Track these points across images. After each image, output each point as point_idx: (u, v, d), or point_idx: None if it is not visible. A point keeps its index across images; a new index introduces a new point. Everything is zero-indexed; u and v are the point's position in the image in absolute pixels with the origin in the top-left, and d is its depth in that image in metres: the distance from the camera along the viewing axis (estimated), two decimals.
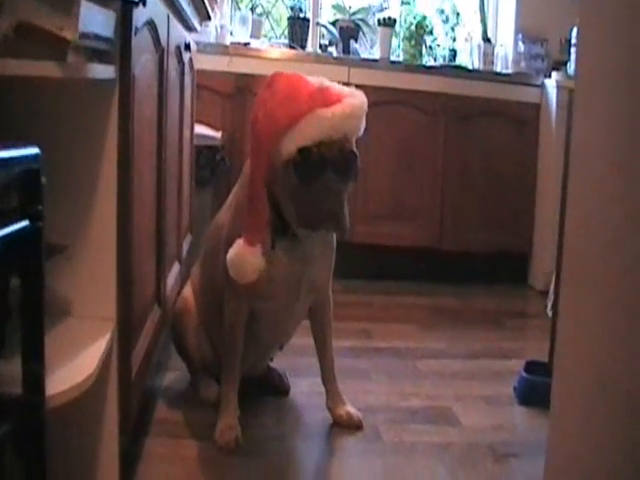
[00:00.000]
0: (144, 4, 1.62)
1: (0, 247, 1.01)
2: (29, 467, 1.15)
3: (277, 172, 1.90)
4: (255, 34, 4.44)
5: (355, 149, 1.92)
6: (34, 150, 1.08)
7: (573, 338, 1.46)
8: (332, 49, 4.65)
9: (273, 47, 4.41)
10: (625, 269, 1.30)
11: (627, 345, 1.30)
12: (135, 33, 1.61)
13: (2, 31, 1.20)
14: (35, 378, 1.12)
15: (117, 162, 1.56)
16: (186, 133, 2.82)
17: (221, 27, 4.23)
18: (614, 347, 1.32)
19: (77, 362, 1.37)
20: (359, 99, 1.92)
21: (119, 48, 1.55)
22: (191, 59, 3.01)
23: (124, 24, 1.55)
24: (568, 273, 1.49)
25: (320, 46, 4.73)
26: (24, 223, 1.05)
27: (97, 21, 1.38)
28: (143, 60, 1.76)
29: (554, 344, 1.74)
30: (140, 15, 1.66)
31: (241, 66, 4.01)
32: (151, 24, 1.87)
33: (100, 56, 1.46)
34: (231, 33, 4.38)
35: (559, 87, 4.20)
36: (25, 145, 1.07)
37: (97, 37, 1.40)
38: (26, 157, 1.06)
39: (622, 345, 1.31)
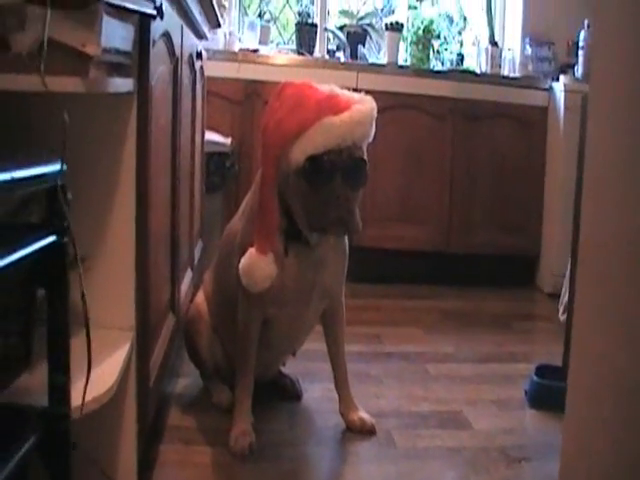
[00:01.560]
0: (161, 17, 1.64)
1: (27, 262, 1.03)
2: (55, 478, 1.16)
3: (288, 179, 1.92)
4: (263, 40, 4.46)
5: (364, 155, 1.93)
6: (60, 166, 1.10)
7: (588, 342, 1.47)
8: (340, 54, 4.67)
9: (281, 53, 4.43)
10: None
11: None
12: (152, 45, 1.64)
13: (26, 47, 1.22)
14: (61, 390, 1.14)
15: (135, 173, 1.59)
16: (197, 140, 2.85)
17: (230, 34, 4.25)
18: (631, 350, 1.33)
19: (98, 374, 1.38)
20: (368, 106, 1.94)
21: (137, 61, 1.57)
22: (202, 67, 3.03)
23: (142, 37, 1.58)
24: (583, 276, 1.50)
25: (328, 51, 4.75)
26: (51, 239, 1.08)
27: (117, 35, 1.40)
28: (159, 71, 1.78)
29: (568, 348, 1.75)
30: (157, 27, 1.68)
31: (250, 72, 4.03)
32: (167, 35, 1.90)
33: (119, 69, 1.48)
34: (239, 39, 4.41)
35: (567, 90, 4.21)
36: (51, 161, 1.09)
37: (117, 51, 1.42)
38: (53, 173, 1.08)
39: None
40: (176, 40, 2.08)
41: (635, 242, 1.32)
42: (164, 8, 1.68)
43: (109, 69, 1.42)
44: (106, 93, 1.43)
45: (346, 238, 2.13)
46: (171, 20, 1.96)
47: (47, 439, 1.14)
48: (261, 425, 2.17)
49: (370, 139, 1.96)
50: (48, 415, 1.13)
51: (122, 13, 1.39)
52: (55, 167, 1.10)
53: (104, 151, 1.59)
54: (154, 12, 1.59)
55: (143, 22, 1.58)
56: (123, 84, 1.48)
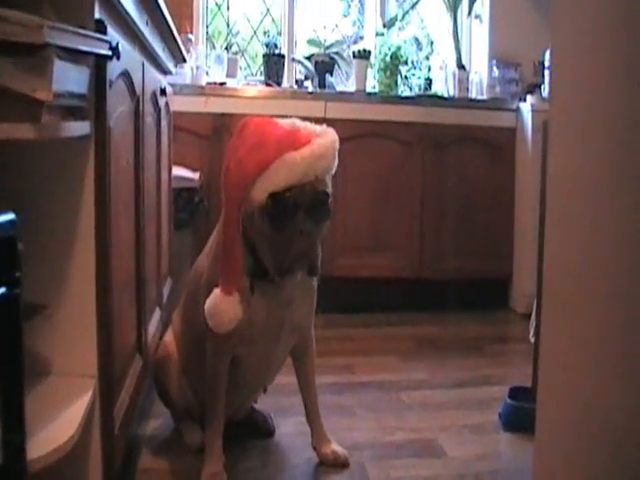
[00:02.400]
0: (117, 57, 1.62)
1: None
2: None
3: (252, 218, 1.90)
4: (231, 73, 4.46)
5: (328, 189, 1.92)
6: (10, 216, 1.08)
7: (556, 364, 1.47)
8: (308, 83, 4.67)
9: (249, 85, 4.43)
10: (605, 295, 1.31)
11: (609, 370, 1.31)
12: (110, 86, 1.62)
13: None
14: (16, 447, 1.11)
15: (95, 218, 1.56)
16: (164, 177, 2.82)
17: (197, 68, 4.24)
18: (597, 372, 1.34)
19: (58, 424, 1.37)
20: (329, 138, 1.93)
21: (94, 103, 1.55)
22: (167, 103, 3.01)
23: (98, 78, 1.55)
24: (549, 299, 1.50)
25: (296, 81, 4.75)
26: (1, 290, 1.05)
27: (71, 79, 1.38)
28: (118, 111, 1.76)
29: (537, 370, 1.76)
30: (114, 68, 1.66)
31: (218, 106, 4.03)
32: (126, 74, 1.87)
33: (75, 112, 1.47)
34: (207, 73, 4.40)
35: (534, 110, 4.27)
36: (3, 212, 1.07)
37: (71, 95, 1.40)
38: (2, 224, 1.06)
39: (604, 370, 1.32)
40: (137, 78, 2.06)
41: (598, 265, 1.33)
42: (121, 47, 1.66)
43: (63, 113, 1.40)
44: (61, 137, 1.41)
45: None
46: (130, 59, 1.94)
47: None
48: (234, 464, 2.15)
49: (333, 171, 1.95)
50: (2, 472, 1.10)
51: (75, 56, 1.38)
52: (5, 217, 1.08)
53: (62, 196, 1.56)
54: (109, 53, 1.58)
55: (99, 63, 1.56)
56: (79, 127, 1.46)
